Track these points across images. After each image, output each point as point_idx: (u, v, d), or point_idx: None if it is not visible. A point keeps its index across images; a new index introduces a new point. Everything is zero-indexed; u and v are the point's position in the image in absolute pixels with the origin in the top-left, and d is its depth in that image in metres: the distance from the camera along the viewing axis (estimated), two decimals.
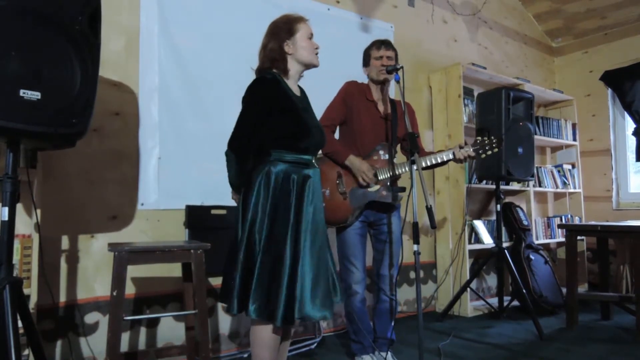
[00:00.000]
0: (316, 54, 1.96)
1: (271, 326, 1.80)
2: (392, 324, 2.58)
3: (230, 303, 1.77)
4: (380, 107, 2.61)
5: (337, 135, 2.67)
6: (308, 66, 1.97)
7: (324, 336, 3.13)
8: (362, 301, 2.50)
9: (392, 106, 2.63)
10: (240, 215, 1.85)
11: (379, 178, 2.49)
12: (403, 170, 2.48)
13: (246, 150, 1.85)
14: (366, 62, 2.65)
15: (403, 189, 2.55)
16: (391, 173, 2.48)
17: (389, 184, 2.51)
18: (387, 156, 2.53)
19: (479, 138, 2.57)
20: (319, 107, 2.27)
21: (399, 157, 2.64)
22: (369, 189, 2.48)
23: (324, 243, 1.91)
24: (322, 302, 1.80)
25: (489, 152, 2.53)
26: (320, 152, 2.36)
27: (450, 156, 2.50)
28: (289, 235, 1.79)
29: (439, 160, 2.52)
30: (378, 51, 2.59)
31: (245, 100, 1.88)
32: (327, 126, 2.45)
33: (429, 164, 2.53)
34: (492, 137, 2.56)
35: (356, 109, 2.55)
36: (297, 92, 1.97)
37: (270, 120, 1.84)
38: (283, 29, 1.92)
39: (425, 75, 4.16)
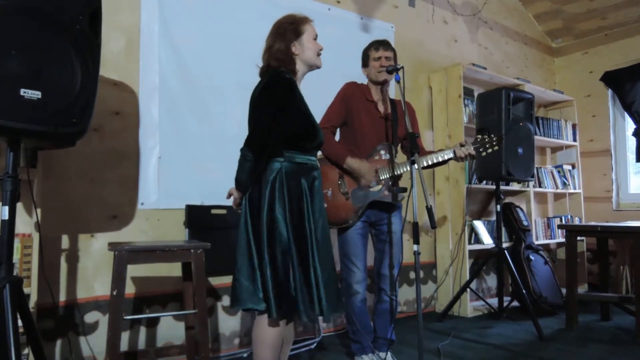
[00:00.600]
0: (319, 55, 1.96)
1: (274, 325, 1.80)
2: (392, 325, 2.58)
3: (269, 307, 1.73)
4: (381, 107, 2.61)
5: (337, 137, 2.67)
6: (312, 67, 1.97)
7: (324, 336, 3.13)
8: (362, 301, 2.50)
9: (392, 106, 2.63)
10: (249, 216, 1.83)
11: (381, 178, 2.49)
12: (404, 169, 2.49)
13: (265, 149, 1.81)
14: (365, 63, 2.65)
15: (404, 189, 2.55)
16: (392, 173, 2.49)
17: (390, 183, 2.51)
18: (388, 156, 2.53)
19: (479, 136, 2.57)
20: (318, 107, 2.27)
21: (400, 157, 2.64)
22: (371, 189, 2.48)
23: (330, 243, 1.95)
24: (337, 299, 1.85)
25: (489, 150, 2.54)
26: (320, 153, 2.37)
27: (451, 155, 2.50)
28: (305, 235, 1.81)
29: (440, 159, 2.52)
30: (377, 52, 2.58)
31: (264, 96, 1.83)
32: (326, 128, 2.46)
33: (429, 163, 2.53)
34: (492, 135, 2.57)
35: (356, 110, 2.55)
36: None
37: (286, 119, 1.82)
38: (289, 30, 1.90)
39: (426, 76, 4.16)
